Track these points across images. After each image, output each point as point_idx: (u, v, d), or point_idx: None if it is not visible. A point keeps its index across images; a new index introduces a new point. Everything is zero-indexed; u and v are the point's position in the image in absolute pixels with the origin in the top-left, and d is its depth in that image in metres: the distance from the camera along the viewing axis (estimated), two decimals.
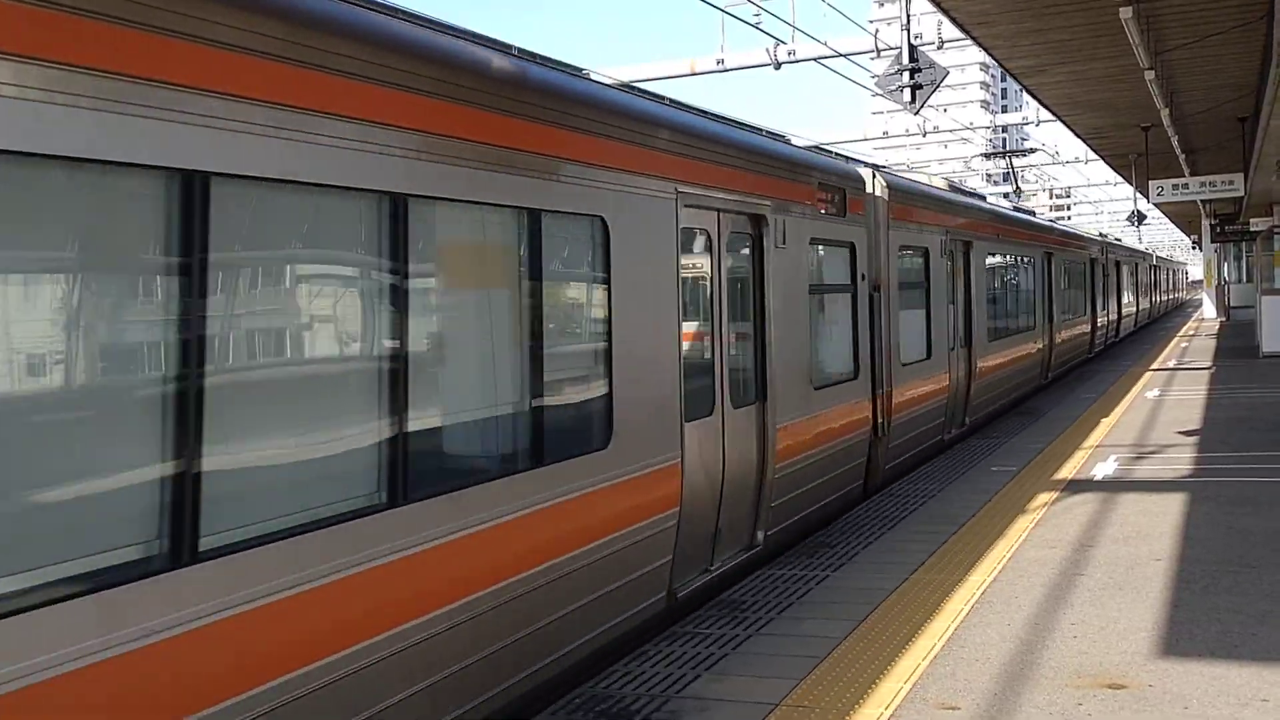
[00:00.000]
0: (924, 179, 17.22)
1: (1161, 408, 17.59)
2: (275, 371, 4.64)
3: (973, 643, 6.56)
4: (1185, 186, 24.89)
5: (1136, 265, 44.74)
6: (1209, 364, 25.72)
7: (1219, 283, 48.79)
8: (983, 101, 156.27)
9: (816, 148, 12.45)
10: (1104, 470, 12.11)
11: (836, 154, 12.44)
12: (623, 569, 6.77)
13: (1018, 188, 27.67)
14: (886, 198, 12.17)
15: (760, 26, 18.55)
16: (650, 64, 20.28)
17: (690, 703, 5.72)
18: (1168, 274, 70.85)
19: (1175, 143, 21.35)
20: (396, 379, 4.94)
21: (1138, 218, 32.32)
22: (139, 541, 3.89)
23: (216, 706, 4.03)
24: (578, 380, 6.61)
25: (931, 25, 19.52)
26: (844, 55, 19.78)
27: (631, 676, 6.13)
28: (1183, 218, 51.68)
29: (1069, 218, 51.15)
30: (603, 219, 6.81)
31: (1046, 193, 57.00)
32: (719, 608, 7.38)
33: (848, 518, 10.14)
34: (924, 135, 31.73)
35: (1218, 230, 40.69)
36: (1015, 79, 16.95)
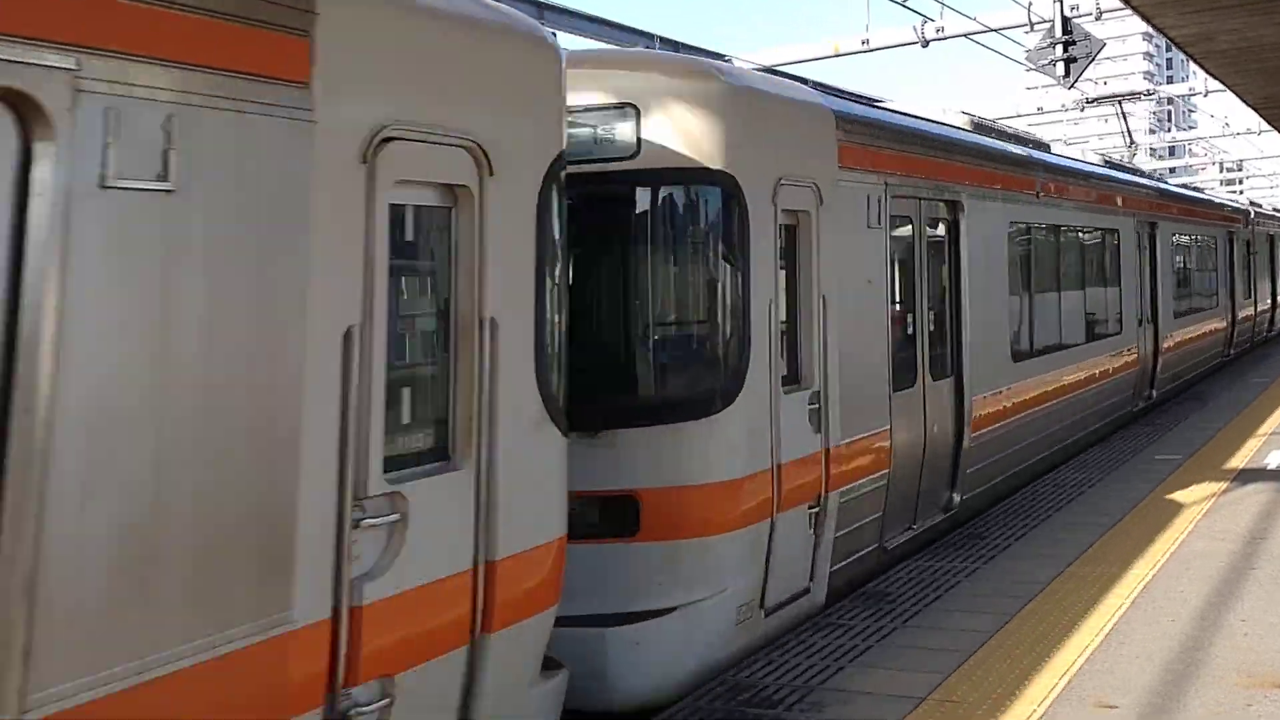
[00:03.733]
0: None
1: None
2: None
3: (1133, 639, 6.29)
4: None
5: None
6: None
7: None
8: (1145, 72, 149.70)
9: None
10: (1279, 459, 11.47)
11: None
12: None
13: (1131, 140, 23.81)
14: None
15: (907, 4, 18.10)
16: (792, 46, 19.98)
17: (833, 694, 5.64)
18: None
19: None
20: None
21: None
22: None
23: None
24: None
25: None
26: (995, 30, 19.15)
27: (774, 666, 6.07)
28: None
29: (1241, 192, 48.58)
30: None
31: (1216, 166, 54.16)
32: (864, 599, 7.25)
33: (1003, 505, 9.84)
34: (1081, 110, 30.55)
35: None
36: (1180, 48, 16.12)
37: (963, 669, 5.91)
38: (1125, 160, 21.12)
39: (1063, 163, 13.65)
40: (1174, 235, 17.70)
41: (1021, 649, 6.19)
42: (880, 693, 5.63)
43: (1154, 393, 16.14)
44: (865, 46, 19.89)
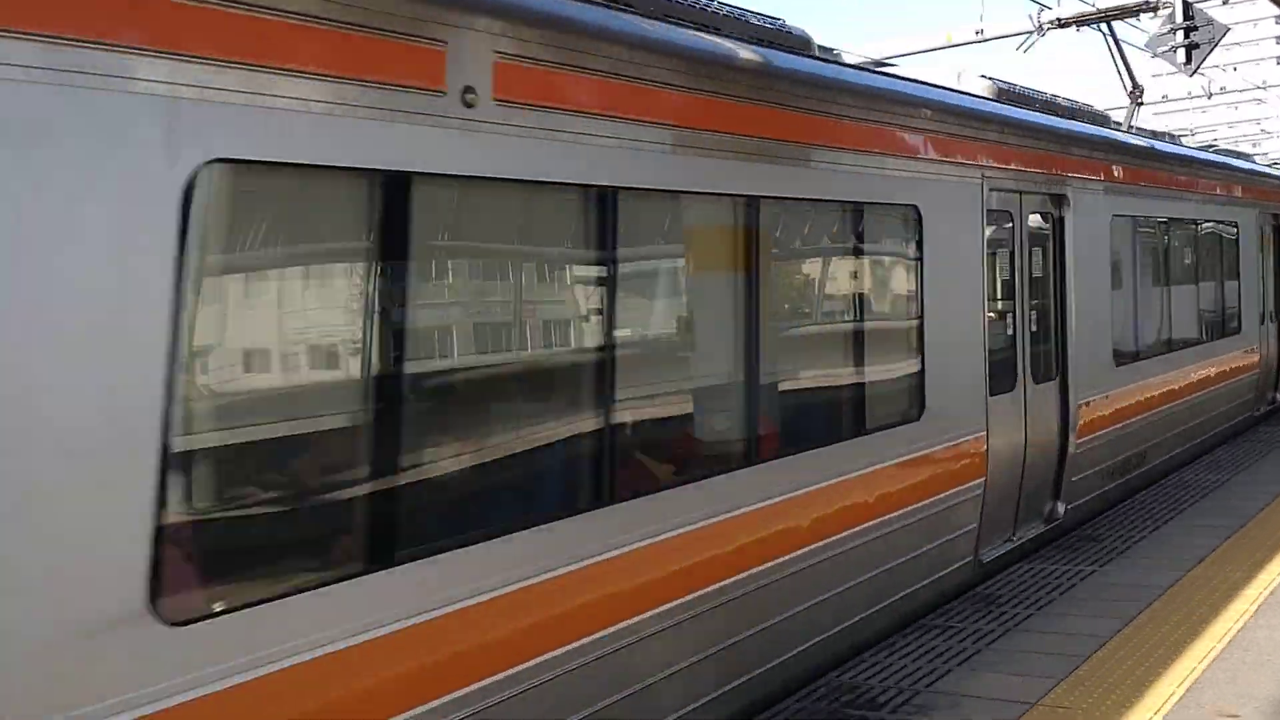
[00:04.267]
0: None
1: None
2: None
3: (1258, 645, 6.05)
4: None
5: None
6: None
7: None
8: (1278, 57, 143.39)
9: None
10: None
11: None
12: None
13: (1134, 83, 13.27)
14: None
15: None
16: (902, 38, 19.66)
17: (941, 697, 5.54)
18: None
19: None
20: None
21: None
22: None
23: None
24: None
25: None
26: (1114, 17, 18.55)
27: (879, 668, 6.00)
28: None
29: None
30: None
31: None
32: (973, 601, 7.11)
33: (1122, 507, 9.54)
34: (1209, 97, 29.52)
35: None
36: None
37: (1076, 674, 5.76)
38: (1130, 116, 13.12)
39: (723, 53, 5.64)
40: (1116, 215, 9.96)
41: (1139, 655, 6.00)
42: (989, 696, 5.52)
43: (1016, 538, 8.37)
44: (979, 36, 19.47)
